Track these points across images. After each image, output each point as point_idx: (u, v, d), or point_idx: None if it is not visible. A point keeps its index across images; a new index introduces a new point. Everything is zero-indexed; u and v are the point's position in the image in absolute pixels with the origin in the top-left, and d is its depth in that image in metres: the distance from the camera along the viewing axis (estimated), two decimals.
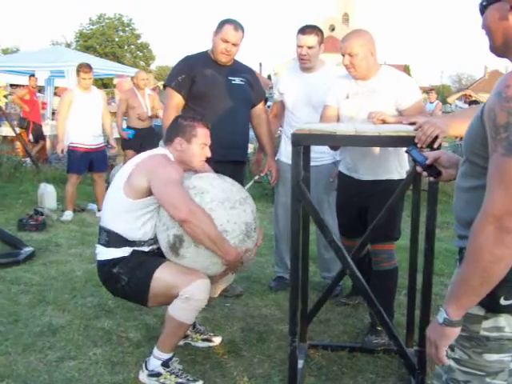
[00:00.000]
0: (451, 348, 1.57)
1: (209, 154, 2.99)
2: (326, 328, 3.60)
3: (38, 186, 7.30)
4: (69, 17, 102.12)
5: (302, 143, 2.58)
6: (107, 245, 2.90)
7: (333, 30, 61.64)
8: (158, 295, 2.84)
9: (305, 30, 3.89)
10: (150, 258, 2.90)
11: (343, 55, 3.19)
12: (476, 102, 11.35)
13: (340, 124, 3.03)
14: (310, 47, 3.84)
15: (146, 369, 2.88)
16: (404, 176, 3.35)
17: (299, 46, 3.87)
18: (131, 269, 2.85)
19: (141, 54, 51.50)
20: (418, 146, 2.40)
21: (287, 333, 3.50)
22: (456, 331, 1.50)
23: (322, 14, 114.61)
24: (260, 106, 4.02)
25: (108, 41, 48.38)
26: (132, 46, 51.05)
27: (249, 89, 3.86)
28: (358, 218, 3.47)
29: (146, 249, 2.93)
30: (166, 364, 2.86)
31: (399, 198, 2.85)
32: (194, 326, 3.35)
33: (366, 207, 3.39)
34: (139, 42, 51.24)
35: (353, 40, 3.15)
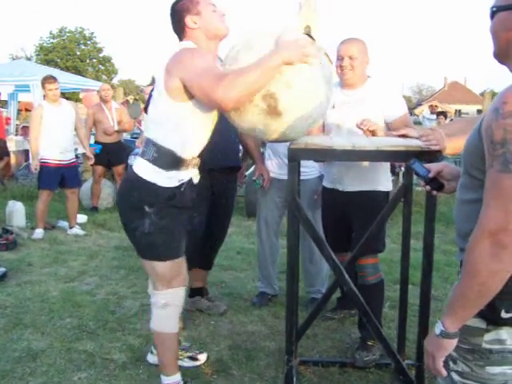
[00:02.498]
0: (454, 361, 1.58)
1: (224, 11, 2.63)
2: (314, 343, 3.55)
3: (4, 203, 7.09)
4: (28, 30, 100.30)
5: (299, 158, 2.53)
6: (154, 162, 2.54)
7: None
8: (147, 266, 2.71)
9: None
10: (176, 235, 2.62)
11: (341, 58, 3.18)
12: (443, 113, 11.55)
13: (333, 138, 3.00)
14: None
15: None
16: (389, 188, 3.34)
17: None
18: (159, 228, 2.55)
19: (103, 67, 50.92)
20: (421, 140, 2.38)
21: (275, 349, 3.46)
22: (453, 343, 1.50)
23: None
24: None
25: (69, 54, 47.62)
26: (94, 60, 50.42)
27: None
28: (345, 232, 3.44)
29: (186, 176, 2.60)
30: None
31: (390, 211, 2.83)
32: (179, 343, 3.26)
33: (350, 219, 3.35)
34: (101, 55, 50.66)
35: (353, 44, 3.18)
